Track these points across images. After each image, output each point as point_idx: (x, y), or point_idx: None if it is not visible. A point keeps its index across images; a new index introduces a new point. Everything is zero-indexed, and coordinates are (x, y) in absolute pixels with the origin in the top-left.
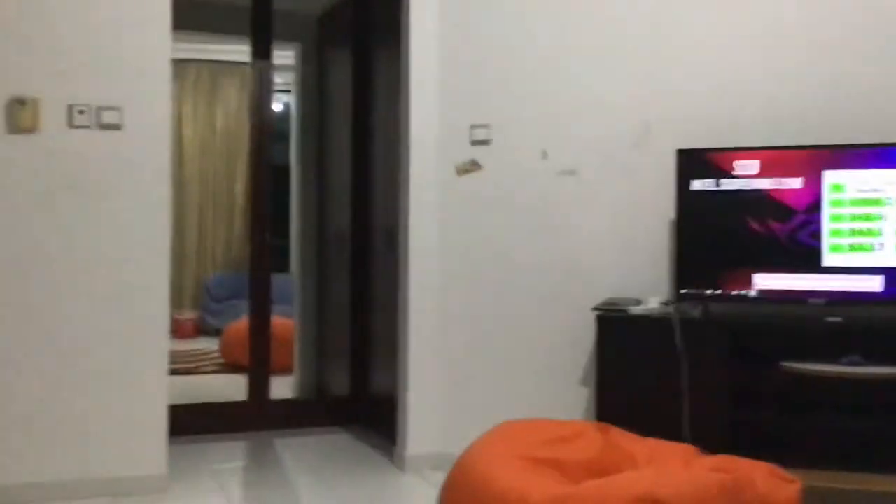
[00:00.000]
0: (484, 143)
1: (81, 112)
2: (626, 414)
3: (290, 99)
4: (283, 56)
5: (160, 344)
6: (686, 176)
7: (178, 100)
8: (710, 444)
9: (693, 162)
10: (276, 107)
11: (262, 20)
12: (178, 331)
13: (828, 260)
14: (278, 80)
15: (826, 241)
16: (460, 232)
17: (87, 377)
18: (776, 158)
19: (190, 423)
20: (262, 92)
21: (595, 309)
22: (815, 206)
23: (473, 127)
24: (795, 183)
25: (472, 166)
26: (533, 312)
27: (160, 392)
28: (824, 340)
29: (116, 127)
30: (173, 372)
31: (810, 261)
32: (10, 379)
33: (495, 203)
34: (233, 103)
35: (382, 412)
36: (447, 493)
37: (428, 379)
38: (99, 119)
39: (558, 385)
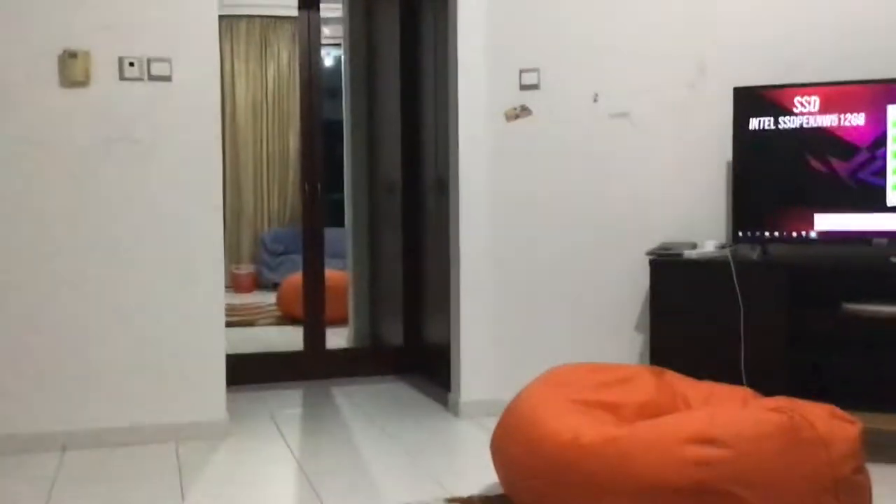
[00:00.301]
0: (533, 87)
1: (132, 64)
2: (681, 359)
3: (341, 53)
4: (333, 9)
5: (217, 293)
6: (743, 115)
7: (229, 56)
8: (768, 387)
9: (750, 100)
10: (328, 62)
11: None
12: (236, 285)
13: (892, 199)
14: (327, 32)
15: (890, 178)
16: (511, 178)
17: (147, 327)
18: (837, 94)
19: (249, 372)
20: (311, 42)
21: (649, 253)
22: (878, 143)
23: (523, 71)
24: (858, 119)
25: (522, 111)
26: (586, 258)
27: (218, 341)
28: (888, 281)
29: (167, 78)
30: (232, 324)
31: (874, 200)
32: (71, 330)
33: (546, 148)
34: (284, 58)
35: (436, 360)
36: (499, 436)
37: (480, 326)
38: (149, 71)
39: (612, 331)
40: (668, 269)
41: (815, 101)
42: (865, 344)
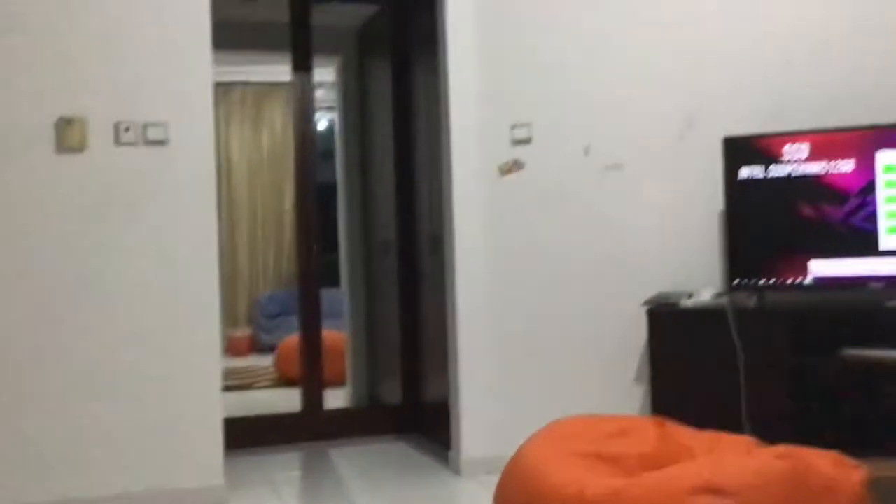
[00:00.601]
0: (525, 142)
1: (127, 129)
2: (682, 409)
3: (334, 116)
4: (325, 73)
5: (213, 357)
6: (734, 164)
7: (224, 122)
8: (770, 435)
9: (740, 149)
10: (321, 125)
11: (301, 34)
12: (232, 348)
13: (885, 243)
14: (320, 94)
15: (882, 223)
16: (506, 232)
17: (143, 393)
18: (826, 141)
19: (246, 435)
20: (305, 105)
21: (646, 303)
22: (869, 189)
23: (514, 126)
24: (847, 166)
25: (515, 166)
26: (583, 311)
27: (215, 406)
28: (885, 326)
29: (162, 143)
30: (229, 388)
31: (867, 245)
32: (67, 396)
33: (540, 202)
34: (278, 123)
35: (436, 418)
36: (502, 492)
37: (479, 382)
38: (145, 136)
39: (612, 383)
40: (665, 319)
41: (804, 149)
42: (866, 389)
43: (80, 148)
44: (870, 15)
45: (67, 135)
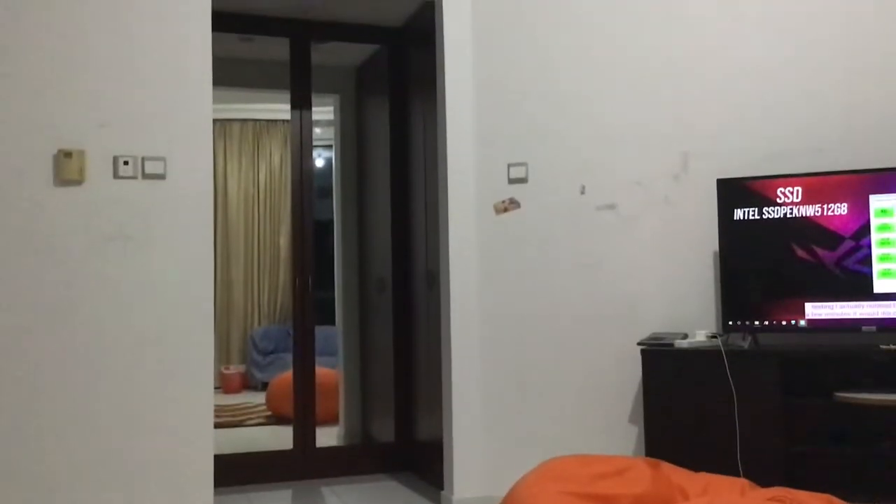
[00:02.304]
0: (521, 181)
1: (126, 163)
2: (676, 450)
3: (332, 154)
4: (324, 112)
5: (205, 394)
6: (728, 205)
7: (222, 157)
8: (763, 477)
9: (734, 191)
10: (319, 162)
11: (300, 72)
12: (225, 385)
13: (879, 286)
14: (317, 131)
15: (876, 266)
16: (501, 271)
17: (133, 429)
18: (820, 184)
19: (237, 473)
20: (303, 142)
21: (640, 344)
22: (862, 232)
23: (511, 165)
24: (841, 209)
25: (511, 204)
26: (577, 350)
27: (206, 442)
28: (879, 369)
29: (160, 177)
30: (221, 425)
31: (860, 288)
32: (56, 428)
33: (535, 240)
34: (276, 160)
35: (429, 457)
36: None
37: (473, 422)
38: (143, 169)
39: (606, 423)
40: (659, 359)
41: (797, 192)
42: (859, 432)
43: (78, 181)
44: (861, 61)
45: (66, 168)
